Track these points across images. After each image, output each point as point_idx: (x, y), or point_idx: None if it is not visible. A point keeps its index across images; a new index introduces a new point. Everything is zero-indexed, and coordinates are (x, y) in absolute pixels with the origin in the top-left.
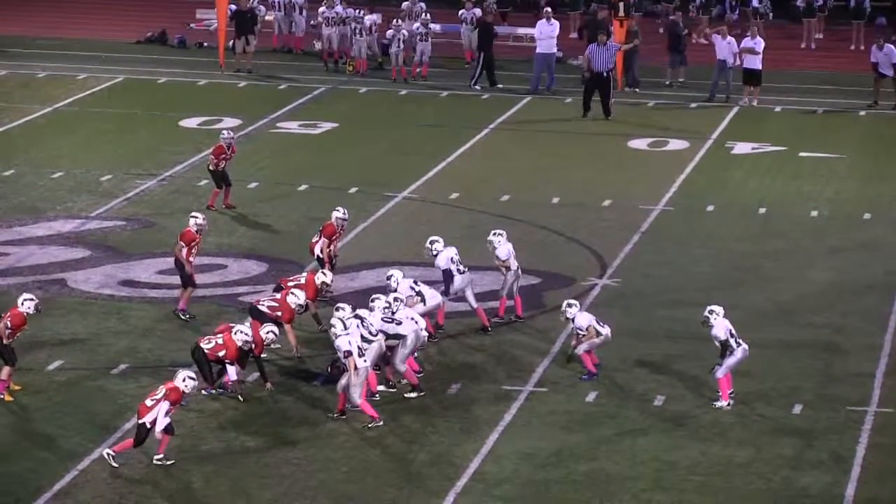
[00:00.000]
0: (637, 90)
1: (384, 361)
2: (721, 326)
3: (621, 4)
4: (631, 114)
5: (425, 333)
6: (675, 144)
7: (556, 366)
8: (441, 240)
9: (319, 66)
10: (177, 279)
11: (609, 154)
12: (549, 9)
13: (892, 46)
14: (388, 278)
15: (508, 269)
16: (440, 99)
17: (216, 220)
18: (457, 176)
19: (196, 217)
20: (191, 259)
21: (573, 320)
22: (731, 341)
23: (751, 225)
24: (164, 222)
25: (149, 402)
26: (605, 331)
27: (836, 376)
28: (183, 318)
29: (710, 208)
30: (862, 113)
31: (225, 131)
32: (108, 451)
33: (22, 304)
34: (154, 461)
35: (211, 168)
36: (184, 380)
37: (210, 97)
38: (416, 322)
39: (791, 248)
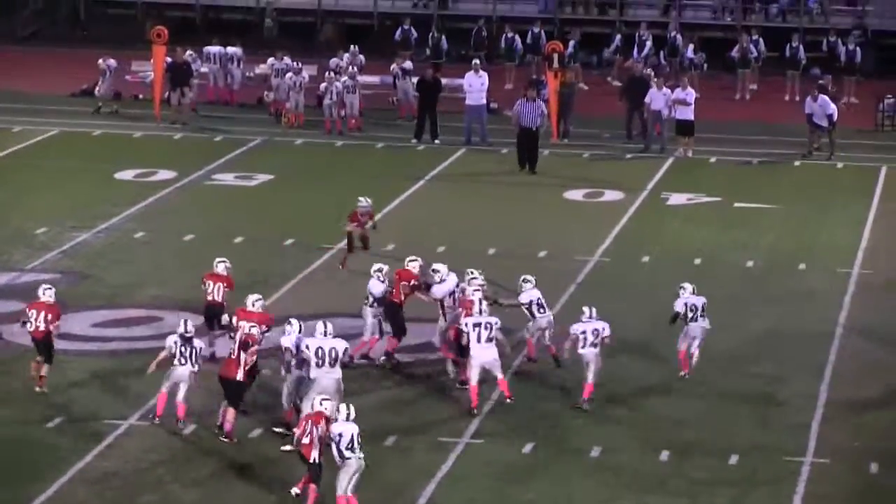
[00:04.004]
0: (566, 140)
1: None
2: (680, 301)
3: (555, 56)
4: (566, 165)
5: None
6: (611, 195)
7: (492, 417)
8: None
9: (254, 119)
10: (110, 332)
11: (545, 205)
12: (477, 61)
13: (826, 98)
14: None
15: (532, 315)
16: (376, 150)
17: (152, 273)
18: (392, 227)
19: (224, 261)
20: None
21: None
22: (688, 316)
23: (687, 275)
24: (100, 275)
25: (306, 440)
26: (542, 316)
27: (772, 426)
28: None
29: (646, 259)
30: (797, 163)
31: (362, 199)
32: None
33: (44, 293)
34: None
35: (348, 230)
36: (321, 403)
37: (145, 149)
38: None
39: (727, 298)
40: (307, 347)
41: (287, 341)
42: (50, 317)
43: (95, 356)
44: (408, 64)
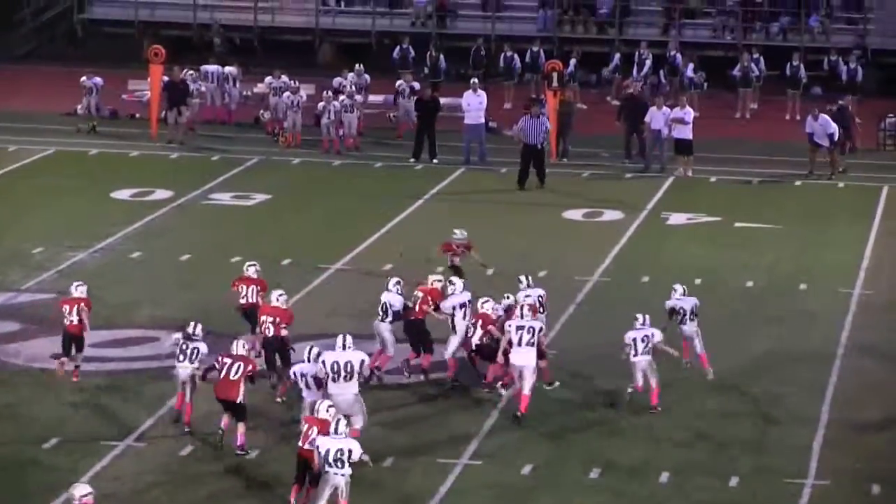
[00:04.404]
0: (565, 160)
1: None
2: (671, 301)
3: (554, 75)
4: (565, 184)
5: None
6: (610, 215)
7: (492, 438)
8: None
9: (252, 138)
10: (107, 352)
11: (544, 225)
12: (475, 80)
13: (826, 117)
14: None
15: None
16: (374, 170)
17: (149, 293)
18: (390, 247)
19: (254, 265)
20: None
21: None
22: (676, 317)
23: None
24: (97, 295)
25: (308, 446)
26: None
27: (773, 448)
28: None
29: (646, 279)
30: (798, 183)
31: (457, 231)
32: None
33: (76, 289)
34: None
35: (449, 265)
36: (327, 409)
37: (142, 169)
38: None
39: (727, 318)
40: (323, 363)
41: (297, 369)
42: (87, 310)
43: (92, 376)
44: (416, 84)
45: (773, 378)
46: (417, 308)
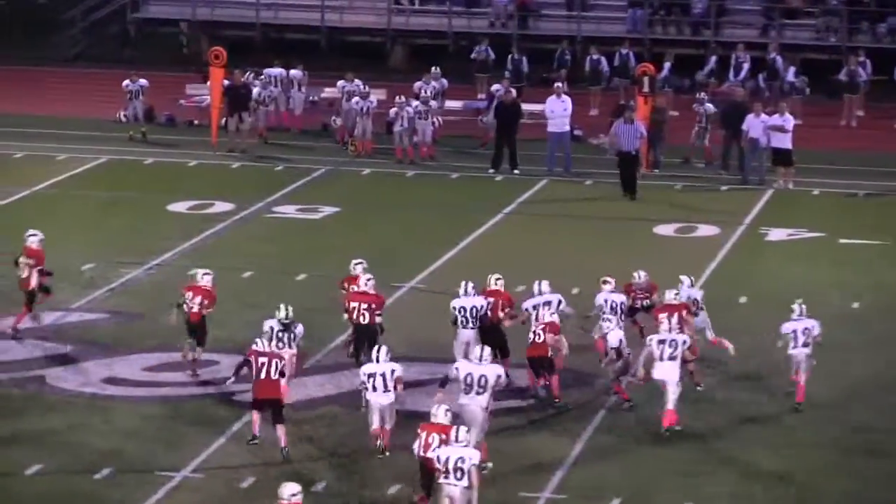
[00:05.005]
0: (657, 171)
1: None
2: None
3: (646, 80)
4: (657, 197)
5: None
6: (705, 230)
7: (576, 470)
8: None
9: (318, 146)
10: (162, 376)
11: (633, 240)
12: (559, 84)
13: None
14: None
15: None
16: (450, 181)
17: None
18: (468, 264)
19: (362, 262)
20: None
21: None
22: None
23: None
24: (152, 315)
25: (431, 454)
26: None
27: (880, 479)
28: None
29: (744, 300)
30: None
31: (636, 274)
32: None
33: (202, 277)
34: None
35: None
36: (445, 413)
37: (201, 179)
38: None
39: (830, 341)
40: (457, 370)
41: (364, 369)
42: (206, 302)
43: (147, 402)
44: (513, 90)
45: (878, 406)
46: (492, 313)
